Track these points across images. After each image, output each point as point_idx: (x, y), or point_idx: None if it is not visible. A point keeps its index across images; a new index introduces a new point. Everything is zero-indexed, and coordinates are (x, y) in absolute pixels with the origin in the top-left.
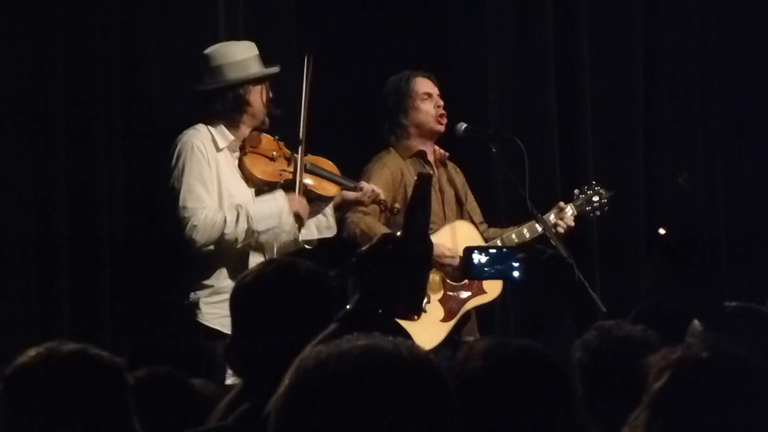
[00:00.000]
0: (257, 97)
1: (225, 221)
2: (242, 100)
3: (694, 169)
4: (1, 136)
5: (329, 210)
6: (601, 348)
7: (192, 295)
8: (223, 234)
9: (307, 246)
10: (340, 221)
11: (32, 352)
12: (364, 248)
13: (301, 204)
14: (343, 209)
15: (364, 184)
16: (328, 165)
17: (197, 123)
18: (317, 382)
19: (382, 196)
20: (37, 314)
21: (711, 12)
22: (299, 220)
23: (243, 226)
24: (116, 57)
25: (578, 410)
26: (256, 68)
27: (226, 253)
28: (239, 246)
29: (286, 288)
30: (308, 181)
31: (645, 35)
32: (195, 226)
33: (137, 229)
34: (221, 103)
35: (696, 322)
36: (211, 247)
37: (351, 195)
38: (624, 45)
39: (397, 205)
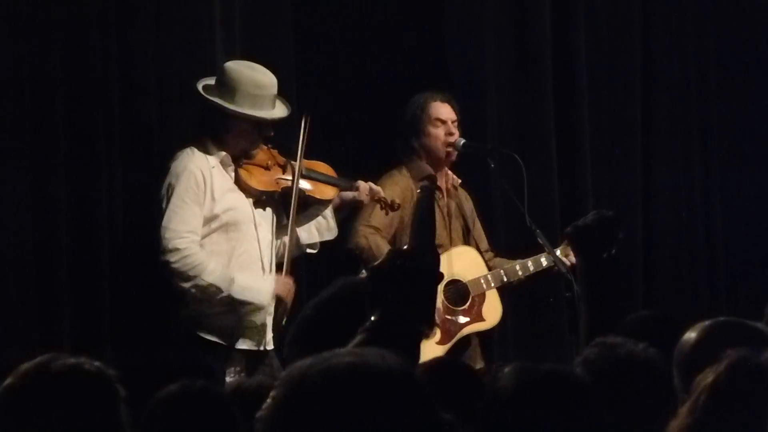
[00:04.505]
0: (253, 133)
1: (206, 270)
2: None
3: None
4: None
5: (329, 212)
6: (602, 366)
7: (190, 307)
8: (197, 276)
9: (310, 250)
10: (347, 227)
11: (24, 366)
12: (375, 264)
13: (287, 286)
14: (343, 211)
15: (360, 182)
16: (325, 168)
17: (190, 138)
18: (303, 394)
19: (382, 194)
20: (36, 325)
21: (708, 21)
22: (280, 303)
23: (221, 291)
24: (115, 68)
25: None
26: (265, 108)
27: (227, 263)
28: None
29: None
30: (306, 185)
31: (642, 50)
32: (177, 249)
33: (137, 241)
34: (215, 123)
35: (687, 335)
36: (181, 282)
37: (349, 195)
38: (622, 60)
39: (397, 200)
